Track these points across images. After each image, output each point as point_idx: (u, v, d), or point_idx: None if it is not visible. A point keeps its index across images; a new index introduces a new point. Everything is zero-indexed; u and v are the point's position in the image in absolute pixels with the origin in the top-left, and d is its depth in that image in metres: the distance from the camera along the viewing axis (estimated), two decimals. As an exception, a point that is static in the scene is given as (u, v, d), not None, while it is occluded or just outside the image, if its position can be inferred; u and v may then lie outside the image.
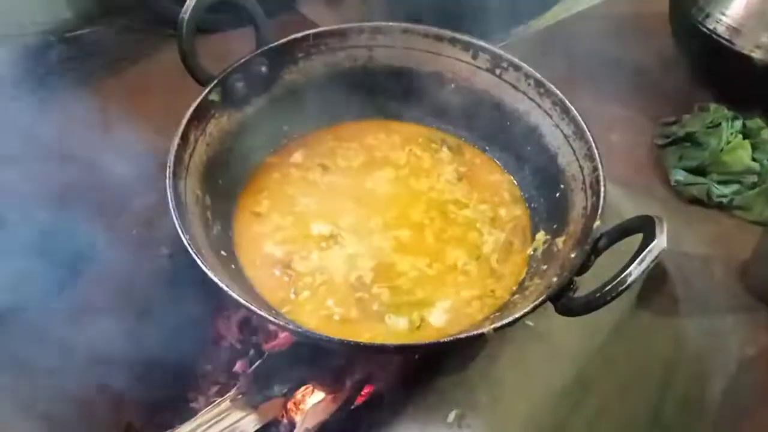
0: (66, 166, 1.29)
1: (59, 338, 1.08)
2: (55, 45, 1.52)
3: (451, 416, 0.92)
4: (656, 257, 0.77)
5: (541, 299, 0.83)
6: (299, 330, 0.81)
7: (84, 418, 1.04)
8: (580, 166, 1.00)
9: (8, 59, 1.46)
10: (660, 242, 0.77)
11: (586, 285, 0.86)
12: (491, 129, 1.16)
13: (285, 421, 1.09)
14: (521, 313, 0.82)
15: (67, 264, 1.14)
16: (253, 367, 1.02)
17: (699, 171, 1.41)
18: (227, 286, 0.82)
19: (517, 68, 1.09)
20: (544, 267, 0.97)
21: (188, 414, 1.06)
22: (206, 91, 1.02)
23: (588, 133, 1.00)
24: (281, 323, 0.81)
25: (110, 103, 1.43)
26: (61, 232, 1.19)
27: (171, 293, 1.13)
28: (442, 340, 0.83)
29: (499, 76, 1.11)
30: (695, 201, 1.41)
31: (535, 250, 1.04)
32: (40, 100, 1.43)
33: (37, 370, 1.05)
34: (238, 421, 0.98)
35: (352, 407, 1.04)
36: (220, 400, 1.00)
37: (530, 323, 1.02)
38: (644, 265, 0.76)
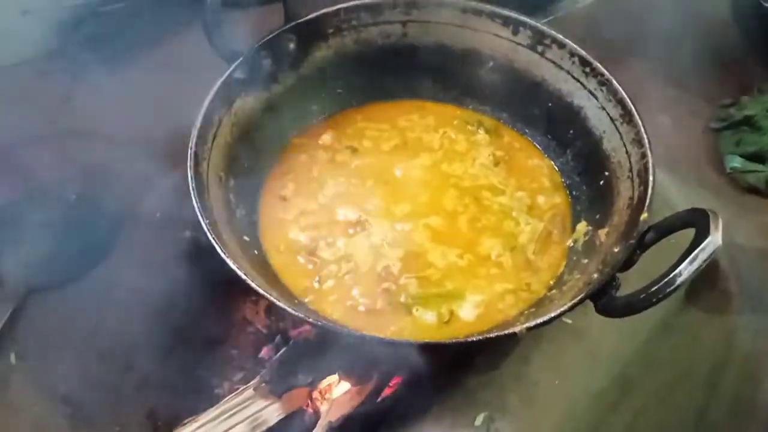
0: (95, 143, 1.28)
1: (83, 319, 1.07)
2: (87, 20, 1.50)
3: (480, 419, 0.87)
4: (710, 256, 0.70)
5: (579, 297, 0.78)
6: (319, 322, 0.77)
7: (106, 401, 1.04)
8: (627, 152, 0.93)
9: (41, 34, 1.45)
10: (714, 239, 0.70)
11: (630, 282, 0.80)
12: (531, 110, 1.10)
13: (310, 410, 1.06)
14: (558, 311, 0.77)
15: (93, 245, 1.13)
16: (278, 354, 0.99)
17: (757, 157, 1.33)
18: (245, 273, 0.79)
19: (561, 45, 1.02)
20: (585, 261, 0.91)
21: (212, 400, 1.04)
22: (231, 68, 0.98)
23: (637, 116, 0.93)
24: (300, 315, 0.77)
25: (141, 79, 1.41)
26: (89, 212, 1.18)
27: (196, 277, 1.10)
28: (469, 339, 0.77)
29: (541, 54, 1.05)
30: (752, 190, 1.32)
31: (575, 241, 0.98)
32: (72, 75, 1.42)
33: (61, 350, 1.04)
34: (261, 410, 0.96)
35: (379, 400, 1.00)
36: (244, 387, 0.98)
37: (568, 320, 0.96)
38: (696, 264, 0.70)
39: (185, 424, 0.94)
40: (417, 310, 0.91)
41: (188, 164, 0.87)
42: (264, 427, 0.95)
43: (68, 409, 1.01)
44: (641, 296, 0.72)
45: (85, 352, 1.05)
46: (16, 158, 1.23)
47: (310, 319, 0.77)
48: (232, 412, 0.95)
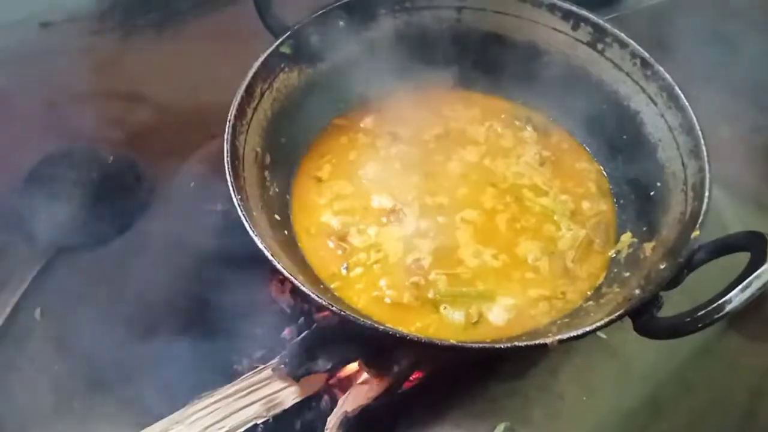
0: (138, 106, 1.28)
1: (110, 282, 1.07)
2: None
3: (500, 429, 0.84)
4: (765, 285, 0.65)
5: (618, 313, 0.74)
6: (341, 312, 0.75)
7: (126, 366, 1.03)
8: (684, 164, 0.89)
9: (94, -7, 1.45)
10: (772, 267, 0.66)
11: (672, 302, 0.75)
12: (584, 111, 1.06)
13: (326, 397, 1.05)
14: (594, 326, 0.73)
15: (125, 209, 1.13)
16: (300, 337, 0.97)
17: (820, 180, 1.25)
18: (273, 254, 0.78)
19: (623, 45, 0.98)
20: (627, 274, 0.87)
21: (230, 375, 1.03)
22: (277, 42, 0.96)
23: (697, 127, 0.89)
24: (323, 302, 0.75)
25: (189, 46, 1.40)
26: (124, 175, 1.18)
27: (225, 250, 1.09)
28: (496, 345, 0.74)
29: (601, 52, 1.00)
30: (811, 214, 1.24)
31: (618, 252, 0.94)
32: (122, 36, 1.41)
33: (86, 311, 1.04)
34: (277, 391, 0.95)
35: (398, 392, 0.98)
36: (263, 367, 0.96)
37: (602, 335, 0.92)
38: (749, 292, 0.65)
39: (201, 398, 0.93)
40: (445, 308, 0.88)
41: (225, 136, 0.86)
42: (279, 410, 0.94)
43: (87, 370, 1.01)
44: (686, 320, 0.68)
45: (109, 315, 1.05)
46: (59, 115, 1.24)
47: (333, 308, 0.75)
48: (248, 391, 0.94)
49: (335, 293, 0.89)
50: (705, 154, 0.86)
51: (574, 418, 0.88)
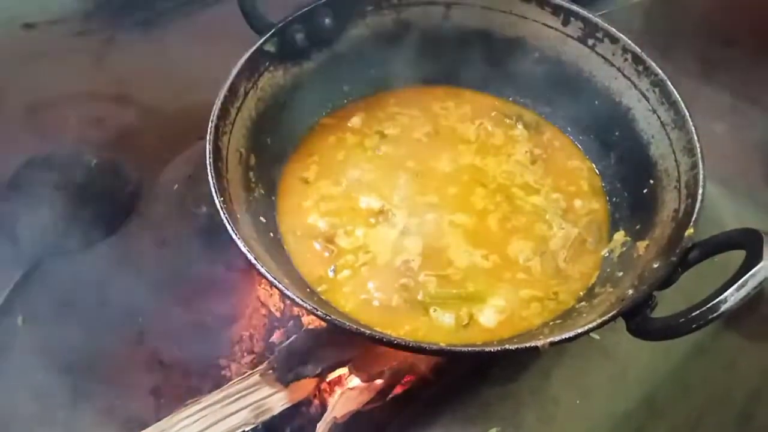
0: (123, 108, 1.26)
1: (95, 288, 1.05)
2: (125, -18, 1.47)
3: (492, 434, 0.82)
4: (761, 283, 0.64)
5: (611, 314, 0.72)
6: (327, 317, 0.73)
7: (111, 373, 1.02)
8: (677, 161, 0.87)
9: (79, -7, 1.43)
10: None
11: (666, 302, 0.74)
12: (576, 108, 1.04)
13: (317, 402, 1.03)
14: (586, 327, 0.72)
15: (109, 212, 1.11)
16: (288, 341, 0.95)
17: (816, 176, 1.24)
18: (256, 257, 0.75)
19: (614, 40, 0.96)
20: (620, 273, 0.86)
21: (218, 381, 1.02)
22: (261, 40, 0.94)
23: (690, 123, 0.87)
24: (308, 306, 0.73)
25: (174, 46, 1.38)
26: (108, 178, 1.16)
27: (211, 253, 1.08)
28: (486, 349, 0.72)
29: (592, 48, 0.99)
30: (808, 210, 1.23)
31: (610, 252, 0.92)
32: (107, 37, 1.39)
33: (70, 317, 1.03)
34: (266, 397, 0.93)
35: (389, 397, 0.96)
36: (251, 372, 0.94)
37: (595, 336, 0.90)
38: (745, 291, 0.63)
39: (188, 405, 0.91)
40: (435, 310, 0.86)
41: (207, 137, 0.84)
42: (267, 416, 0.92)
43: (71, 379, 0.99)
44: (680, 320, 0.66)
45: (94, 321, 1.03)
46: (42, 117, 1.22)
47: (318, 312, 0.73)
48: (236, 397, 0.92)
49: (322, 297, 0.87)
50: (698, 150, 0.85)
51: (568, 422, 0.86)
